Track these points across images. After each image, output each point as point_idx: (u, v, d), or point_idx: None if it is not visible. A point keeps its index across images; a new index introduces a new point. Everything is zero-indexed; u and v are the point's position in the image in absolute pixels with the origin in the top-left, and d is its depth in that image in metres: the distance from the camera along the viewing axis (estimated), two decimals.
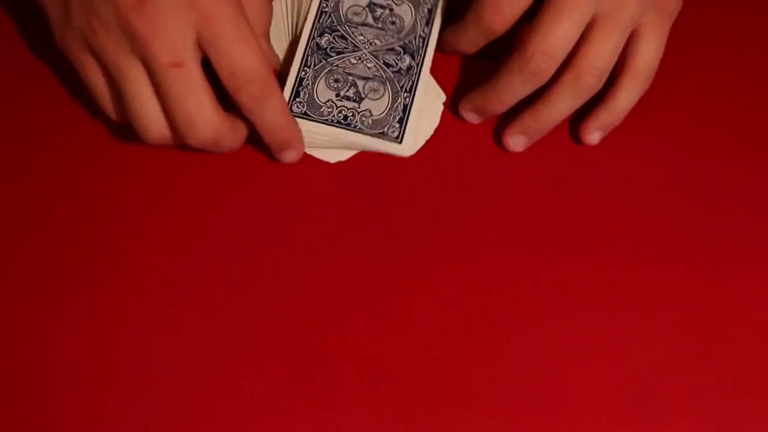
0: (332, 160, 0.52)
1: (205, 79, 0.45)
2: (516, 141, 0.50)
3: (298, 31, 0.54)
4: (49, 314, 0.48)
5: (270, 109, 0.47)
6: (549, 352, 0.48)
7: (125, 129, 0.49)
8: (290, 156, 0.50)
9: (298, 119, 0.51)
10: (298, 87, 0.52)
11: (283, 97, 0.48)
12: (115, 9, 0.43)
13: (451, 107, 0.53)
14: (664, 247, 0.50)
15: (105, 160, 0.51)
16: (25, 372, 0.46)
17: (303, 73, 0.52)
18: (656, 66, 0.48)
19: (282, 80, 0.52)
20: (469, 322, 0.48)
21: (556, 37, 0.45)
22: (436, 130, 0.53)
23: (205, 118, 0.45)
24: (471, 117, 0.52)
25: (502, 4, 0.47)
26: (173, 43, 0.44)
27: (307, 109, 0.51)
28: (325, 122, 0.51)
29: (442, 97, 0.54)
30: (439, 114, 0.53)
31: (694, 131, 0.53)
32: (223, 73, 0.45)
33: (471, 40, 0.50)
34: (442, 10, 0.54)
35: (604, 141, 0.52)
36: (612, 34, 0.46)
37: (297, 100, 0.52)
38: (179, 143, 0.48)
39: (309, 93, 0.52)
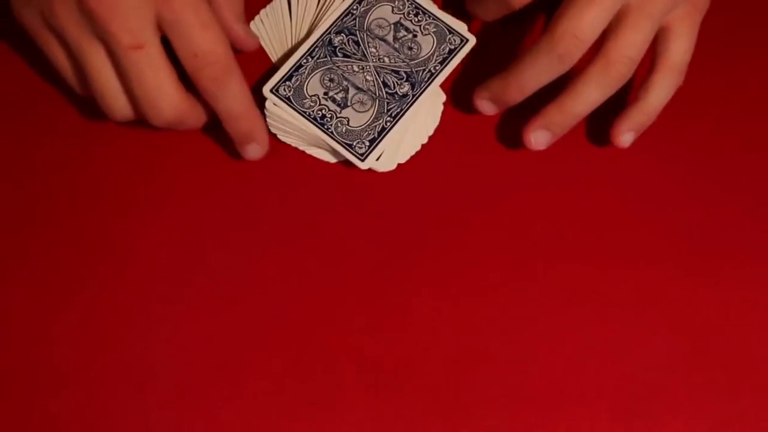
0: (323, 158, 0.52)
1: (167, 59, 0.45)
2: (539, 137, 0.48)
3: (305, 25, 0.53)
4: (51, 313, 0.48)
5: (230, 94, 0.46)
6: (548, 351, 0.48)
7: (125, 127, 0.51)
8: (253, 151, 0.49)
9: (277, 103, 0.50)
10: (293, 71, 0.51)
11: (244, 84, 0.47)
12: None
13: (452, 107, 0.53)
14: (664, 246, 0.50)
15: (106, 159, 0.51)
16: (27, 370, 0.47)
17: (304, 60, 0.52)
18: (688, 61, 0.47)
19: (278, 66, 0.52)
20: (468, 322, 0.48)
21: (587, 20, 0.44)
22: (437, 130, 0.52)
23: (166, 98, 0.45)
24: (486, 107, 0.50)
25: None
26: (132, 24, 0.43)
27: (291, 95, 0.51)
28: (302, 114, 0.51)
29: (442, 97, 0.53)
30: (439, 114, 0.52)
31: (694, 131, 0.52)
32: (183, 56, 0.45)
33: (489, 10, 0.50)
34: (461, 57, 0.52)
35: (604, 141, 0.51)
36: (644, 24, 0.45)
37: (287, 83, 0.51)
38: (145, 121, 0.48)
39: (300, 81, 0.51)
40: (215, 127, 0.49)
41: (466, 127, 0.52)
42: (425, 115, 0.52)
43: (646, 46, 0.46)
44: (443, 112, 0.52)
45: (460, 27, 0.51)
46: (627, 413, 0.47)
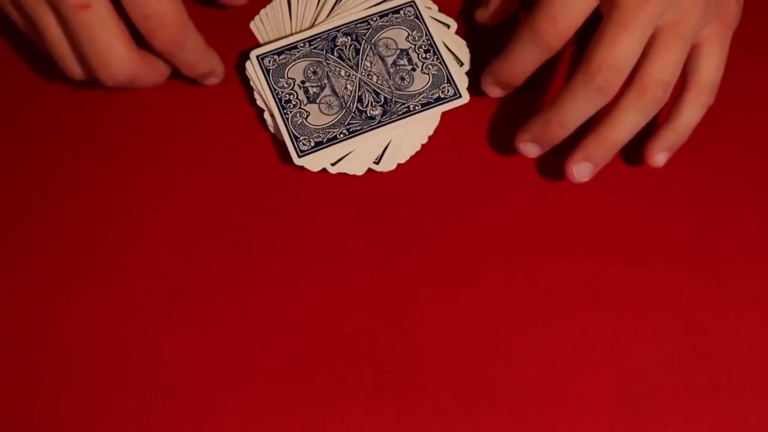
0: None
1: (117, 18, 0.45)
2: (581, 170, 0.47)
3: (305, 25, 0.53)
4: (52, 313, 0.48)
5: (188, 50, 0.47)
6: (548, 351, 0.48)
7: (126, 127, 0.52)
8: (212, 81, 0.51)
9: (256, 69, 0.51)
10: (285, 49, 0.51)
11: (198, 36, 0.47)
12: None
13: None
14: (664, 246, 0.50)
15: (107, 159, 0.51)
16: (27, 370, 0.47)
17: (301, 44, 0.51)
18: (719, 79, 0.47)
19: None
20: (468, 322, 0.48)
21: (621, 49, 0.43)
22: (436, 130, 0.51)
23: (117, 58, 0.45)
24: (530, 149, 0.48)
25: (556, 16, 0.45)
26: None
27: (273, 69, 0.51)
28: (271, 90, 0.51)
29: None
30: (439, 114, 0.52)
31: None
32: (135, 18, 0.45)
33: (528, 59, 0.47)
34: (445, 109, 0.51)
35: None
36: (676, 46, 0.45)
37: (274, 56, 0.51)
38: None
39: (286, 62, 0.51)
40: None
41: (465, 128, 0.52)
42: (425, 115, 0.51)
43: (680, 67, 0.46)
44: (443, 113, 0.52)
45: (461, 81, 0.51)
46: (627, 413, 0.47)
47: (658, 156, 0.48)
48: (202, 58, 0.48)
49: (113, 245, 0.49)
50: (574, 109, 0.45)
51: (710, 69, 0.47)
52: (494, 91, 0.51)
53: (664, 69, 0.45)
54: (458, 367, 0.48)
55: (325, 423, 0.47)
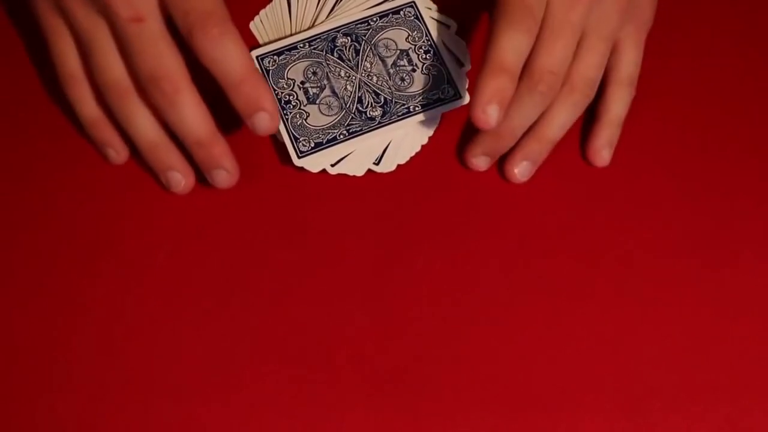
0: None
1: (170, 37, 0.45)
2: (522, 169, 0.50)
3: (305, 26, 0.53)
4: (52, 314, 0.48)
5: (227, 54, 0.44)
6: (548, 351, 0.48)
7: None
8: (262, 121, 0.45)
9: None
10: (285, 50, 0.51)
11: (242, 46, 0.44)
12: None
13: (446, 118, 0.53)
14: (664, 246, 0.50)
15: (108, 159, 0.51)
16: (28, 371, 0.47)
17: (301, 45, 0.51)
18: (638, 74, 0.51)
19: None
20: (468, 322, 0.48)
21: (558, 56, 0.47)
22: (437, 130, 0.52)
23: (166, 70, 0.45)
24: (482, 162, 0.50)
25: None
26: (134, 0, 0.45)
27: (273, 69, 0.51)
28: (272, 91, 0.50)
29: None
30: (439, 115, 0.52)
31: (694, 130, 0.53)
32: (177, 16, 0.44)
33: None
34: (445, 110, 0.51)
35: None
36: (599, 46, 0.48)
37: (274, 57, 0.51)
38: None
39: (286, 63, 0.51)
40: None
41: (465, 128, 0.52)
42: (425, 116, 0.51)
43: (604, 65, 0.49)
44: (443, 114, 0.52)
45: (461, 82, 0.51)
46: (627, 413, 0.47)
47: (602, 152, 0.51)
48: (245, 70, 0.44)
49: (113, 246, 0.49)
50: (522, 115, 0.48)
51: (630, 64, 0.50)
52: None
53: (590, 67, 0.48)
54: (458, 367, 0.48)
55: (324, 423, 0.47)
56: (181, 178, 0.48)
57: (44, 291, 0.48)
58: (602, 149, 0.51)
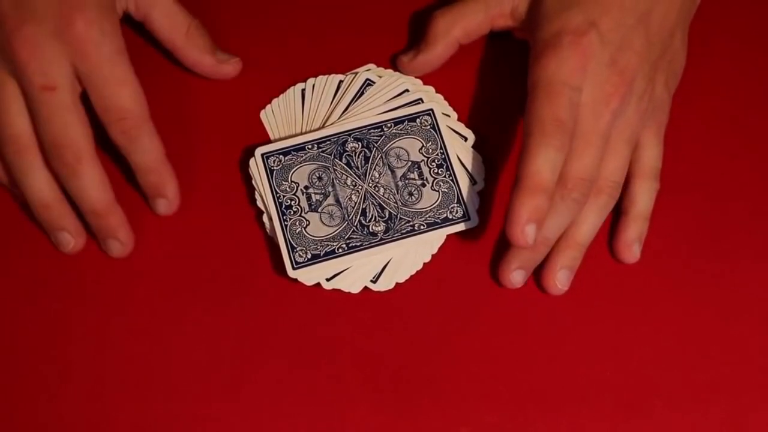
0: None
1: (80, 107, 0.47)
2: (562, 277, 0.49)
3: (317, 122, 0.51)
4: (52, 314, 0.48)
5: (140, 148, 0.48)
6: (548, 351, 0.48)
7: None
8: (162, 206, 0.50)
9: (259, 167, 0.49)
10: (293, 150, 0.49)
11: (155, 140, 0.48)
12: (1, 27, 0.47)
13: None
14: (664, 246, 0.50)
15: (109, 159, 0.51)
16: (28, 371, 0.48)
17: (310, 146, 0.49)
18: (660, 166, 0.51)
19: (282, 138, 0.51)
20: (468, 321, 0.49)
21: (589, 163, 0.47)
22: (440, 249, 0.50)
23: (71, 140, 0.46)
24: (518, 277, 0.49)
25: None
26: (47, 68, 0.46)
27: (277, 170, 0.49)
28: (272, 193, 0.49)
29: None
30: None
31: (694, 130, 0.53)
32: (97, 108, 0.47)
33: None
34: (451, 231, 0.49)
35: None
36: (623, 149, 0.49)
37: (280, 157, 0.49)
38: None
39: (292, 164, 0.49)
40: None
41: (471, 248, 0.50)
42: (430, 236, 0.49)
43: (627, 167, 0.49)
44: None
45: (472, 202, 0.48)
46: (627, 412, 0.47)
47: (633, 248, 0.50)
48: (154, 164, 0.48)
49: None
50: (556, 224, 0.47)
51: (652, 158, 0.50)
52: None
53: (615, 171, 0.49)
54: (458, 366, 0.48)
55: (324, 423, 0.47)
56: (70, 239, 0.49)
57: (44, 291, 0.48)
58: (632, 244, 0.50)
